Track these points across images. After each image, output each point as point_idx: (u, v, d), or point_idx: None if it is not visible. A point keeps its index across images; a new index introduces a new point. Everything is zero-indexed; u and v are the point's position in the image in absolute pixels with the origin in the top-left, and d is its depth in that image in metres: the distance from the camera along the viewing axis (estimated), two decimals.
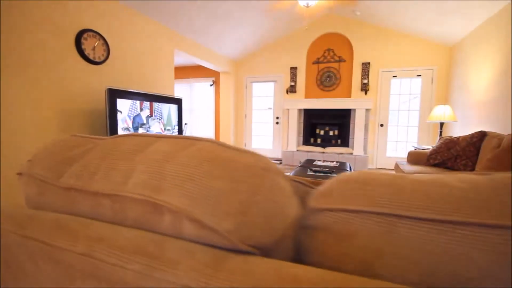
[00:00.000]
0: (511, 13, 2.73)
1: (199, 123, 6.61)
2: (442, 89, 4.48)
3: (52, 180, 0.53)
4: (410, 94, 4.75)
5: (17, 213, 0.53)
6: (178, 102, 3.57)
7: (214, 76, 6.19)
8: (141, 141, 0.53)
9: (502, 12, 2.99)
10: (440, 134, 3.58)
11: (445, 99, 4.47)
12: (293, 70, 5.37)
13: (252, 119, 5.95)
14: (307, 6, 3.10)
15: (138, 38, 3.29)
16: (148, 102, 3.04)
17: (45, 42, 2.29)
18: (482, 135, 2.70)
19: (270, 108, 5.77)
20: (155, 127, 3.18)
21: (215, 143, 0.48)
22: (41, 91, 2.28)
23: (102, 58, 2.81)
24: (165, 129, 3.35)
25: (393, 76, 4.76)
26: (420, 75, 4.60)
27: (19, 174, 0.60)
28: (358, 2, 4.09)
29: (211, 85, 6.26)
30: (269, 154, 5.83)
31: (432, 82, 4.53)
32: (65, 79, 2.47)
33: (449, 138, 3.02)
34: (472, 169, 2.65)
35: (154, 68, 3.60)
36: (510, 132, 2.74)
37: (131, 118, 2.80)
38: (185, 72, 6.48)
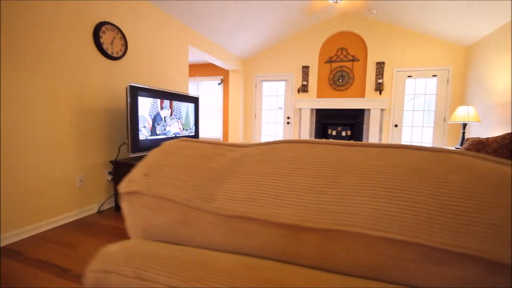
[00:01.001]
0: None
1: (207, 123, 6.44)
2: (458, 89, 4.45)
3: (204, 204, 0.40)
4: (425, 94, 4.70)
5: (155, 253, 0.39)
6: (195, 101, 3.42)
7: (222, 75, 6.04)
8: (328, 150, 0.39)
9: None
10: (463, 135, 3.52)
11: (461, 100, 4.43)
12: (305, 69, 5.26)
13: (261, 119, 5.82)
14: (336, 2, 2.99)
15: (154, 32, 3.12)
16: (168, 101, 2.88)
17: (61, 34, 2.11)
18: None
19: (280, 108, 5.65)
20: (174, 127, 3.02)
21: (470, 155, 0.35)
22: (56, 87, 2.11)
23: (120, 53, 2.64)
24: (183, 129, 3.20)
25: (408, 76, 4.70)
26: (435, 75, 4.55)
27: (131, 193, 0.46)
28: (376, 2, 4.00)
29: (219, 84, 6.10)
30: None
31: (447, 82, 4.49)
32: (81, 75, 2.29)
33: (477, 139, 2.95)
34: None
35: (170, 65, 3.44)
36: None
37: (152, 117, 2.64)
38: (191, 70, 6.31)
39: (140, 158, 2.59)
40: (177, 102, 3.05)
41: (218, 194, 0.38)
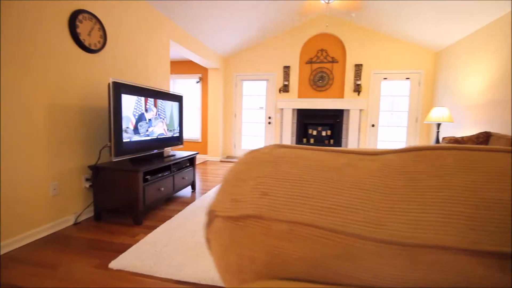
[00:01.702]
0: (511, 24, 2.95)
1: (184, 122, 6.16)
2: (429, 91, 4.77)
3: (369, 231, 0.30)
4: (394, 96, 4.97)
5: None
6: (179, 99, 3.21)
7: (201, 73, 5.82)
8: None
9: (494, 24, 3.23)
10: (437, 135, 3.78)
11: (431, 101, 4.76)
12: (286, 69, 5.27)
13: (242, 119, 5.72)
14: (328, 3, 3.00)
15: (135, 24, 2.87)
16: (152, 99, 2.66)
17: (33, 23, 1.83)
18: (487, 135, 2.88)
19: (261, 108, 5.60)
20: (159, 128, 2.80)
21: None
22: (26, 82, 1.81)
23: (99, 46, 2.37)
24: (168, 130, 2.99)
25: (384, 78, 4.94)
26: (408, 78, 4.84)
27: (243, 217, 0.35)
28: (357, 5, 4.13)
29: (197, 82, 5.87)
30: None
31: (419, 85, 4.80)
32: (55, 69, 2.01)
33: (453, 138, 3.17)
34: None
35: (151, 61, 3.19)
36: (499, 133, 2.96)
37: (136, 117, 2.41)
38: None
39: (124, 163, 2.35)
40: (161, 100, 2.83)
41: (384, 218, 0.29)
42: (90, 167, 2.22)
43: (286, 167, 0.36)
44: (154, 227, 2.13)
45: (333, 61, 5.13)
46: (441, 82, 4.46)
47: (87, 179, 2.32)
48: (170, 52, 3.60)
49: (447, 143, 3.16)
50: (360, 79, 4.96)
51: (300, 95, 5.33)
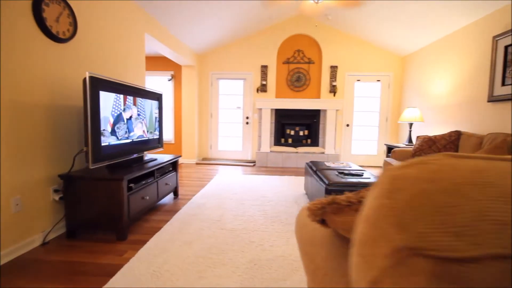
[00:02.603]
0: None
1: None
2: (398, 93, 5.09)
3: None
4: (373, 97, 5.22)
5: None
6: (159, 98, 2.95)
7: (173, 70, 5.48)
8: None
9: (457, 33, 3.53)
10: (410, 134, 4.03)
11: (399, 102, 5.09)
12: (264, 68, 5.21)
13: (218, 119, 5.52)
14: (317, 3, 2.98)
15: (109, 12, 2.55)
16: (131, 98, 2.38)
17: None
18: (458, 134, 3.13)
19: (239, 107, 5.46)
20: (138, 130, 2.52)
21: None
22: None
23: (68, 35, 2.04)
24: (148, 131, 2.71)
25: (357, 80, 5.15)
26: (379, 80, 5.11)
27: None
28: (331, 9, 4.23)
29: (169, 80, 5.52)
30: (238, 156, 5.52)
31: (389, 87, 5.10)
32: (16, 60, 1.67)
33: (427, 137, 3.39)
34: None
35: (125, 54, 2.87)
36: (454, 130, 3.26)
37: (114, 117, 2.13)
38: None
39: (101, 170, 2.06)
40: (141, 99, 2.56)
41: None
42: (61, 176, 1.89)
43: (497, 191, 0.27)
44: (143, 242, 1.89)
45: (310, 62, 5.20)
46: (409, 84, 4.78)
47: (56, 191, 1.98)
48: (145, 45, 3.29)
49: (422, 141, 3.38)
50: (335, 80, 5.11)
51: (278, 95, 5.31)
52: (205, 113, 5.48)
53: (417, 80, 4.49)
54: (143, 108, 2.61)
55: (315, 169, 2.64)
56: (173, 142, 5.69)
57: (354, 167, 2.74)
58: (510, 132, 2.60)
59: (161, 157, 2.84)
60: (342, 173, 2.35)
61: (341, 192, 2.08)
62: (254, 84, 5.31)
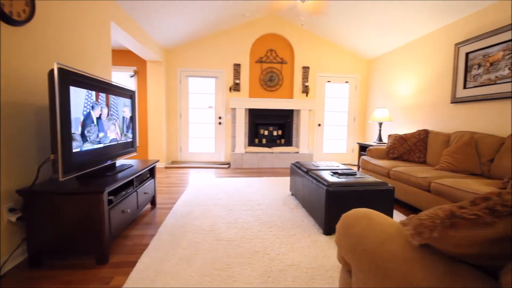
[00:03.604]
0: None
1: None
2: (364, 94, 5.39)
3: None
4: (342, 97, 5.44)
5: None
6: (132, 96, 2.61)
7: (136, 65, 4.98)
8: None
9: (420, 40, 3.85)
10: (380, 133, 4.28)
11: (366, 103, 5.39)
12: (237, 67, 5.06)
13: (189, 119, 5.20)
14: (303, 2, 2.93)
15: None
16: (104, 95, 2.04)
17: None
18: (426, 132, 3.39)
19: (211, 107, 5.21)
20: (111, 133, 2.18)
21: None
22: None
23: (24, 16, 1.65)
24: (121, 134, 2.37)
25: (328, 81, 5.32)
26: (347, 82, 5.35)
27: None
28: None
29: (131, 76, 5.01)
30: (211, 158, 5.27)
31: (356, 88, 5.37)
32: None
33: (398, 135, 3.62)
34: (424, 160, 3.29)
35: (90, 44, 2.48)
36: (422, 129, 3.58)
37: (85, 118, 1.79)
38: None
39: (72, 182, 1.71)
40: (114, 97, 2.22)
41: None
42: (20, 192, 1.51)
43: None
44: (130, 264, 1.62)
45: (283, 62, 5.21)
46: (375, 86, 5.09)
47: (11, 210, 1.58)
48: (111, 36, 2.90)
49: (394, 139, 3.59)
50: (307, 80, 5.20)
51: (251, 95, 5.21)
52: (173, 113, 5.11)
53: (383, 82, 4.81)
54: (116, 108, 2.27)
55: (306, 169, 2.60)
56: (137, 144, 5.18)
57: (341, 166, 2.77)
58: (472, 130, 2.90)
59: (133, 162, 2.52)
60: (336, 173, 2.35)
61: (342, 193, 2.06)
62: (226, 83, 5.12)
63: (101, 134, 1.99)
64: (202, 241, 1.92)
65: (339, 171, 2.38)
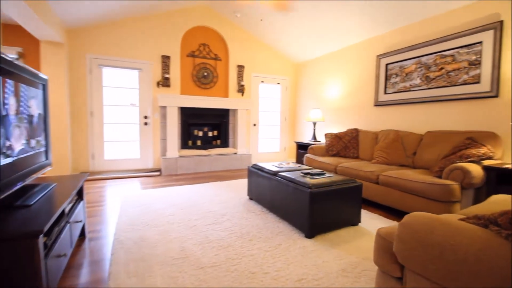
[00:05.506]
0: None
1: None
2: (294, 95, 5.72)
3: None
4: (274, 98, 5.59)
5: None
6: (44, 86, 1.84)
7: (22, 46, 3.64)
8: None
9: (348, 49, 4.37)
10: (314, 132, 4.61)
11: (295, 104, 5.74)
12: (166, 59, 4.44)
13: (103, 119, 4.21)
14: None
15: None
16: (12, 82, 1.33)
17: None
18: (357, 131, 3.85)
19: (134, 104, 4.38)
20: (20, 139, 1.45)
21: None
22: None
23: None
24: (31, 140, 1.62)
25: (261, 81, 5.36)
26: (279, 83, 5.55)
27: None
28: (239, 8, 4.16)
29: (17, 59, 3.62)
30: (136, 165, 4.45)
31: (286, 90, 5.63)
32: None
33: (334, 134, 3.98)
34: (357, 155, 3.73)
35: None
36: (351, 128, 4.12)
37: None
38: None
39: None
40: (25, 86, 1.49)
41: None
42: None
43: None
44: None
45: (216, 58, 4.92)
46: (303, 88, 5.48)
47: None
48: None
49: (330, 138, 3.93)
50: (243, 80, 5.10)
51: (183, 92, 4.69)
52: (82, 110, 4.03)
53: (312, 85, 5.21)
54: (27, 102, 1.53)
55: (272, 172, 2.48)
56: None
57: (303, 166, 2.79)
58: (395, 129, 3.46)
59: (50, 180, 1.79)
60: (308, 173, 2.32)
61: (323, 194, 2.04)
62: (154, 77, 4.42)
63: (9, 143, 1.28)
64: (180, 275, 1.51)
65: (311, 172, 2.37)
